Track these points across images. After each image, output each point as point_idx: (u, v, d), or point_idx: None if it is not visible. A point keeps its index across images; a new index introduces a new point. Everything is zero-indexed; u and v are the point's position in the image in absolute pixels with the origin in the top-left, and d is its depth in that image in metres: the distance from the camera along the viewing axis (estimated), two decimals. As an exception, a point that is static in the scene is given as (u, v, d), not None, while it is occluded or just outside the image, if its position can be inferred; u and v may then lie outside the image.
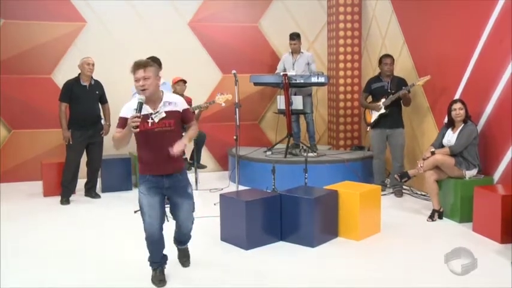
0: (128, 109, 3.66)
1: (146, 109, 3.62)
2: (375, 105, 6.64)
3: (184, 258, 4.28)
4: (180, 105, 3.78)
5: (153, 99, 3.68)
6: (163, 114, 3.66)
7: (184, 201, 3.88)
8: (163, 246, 3.92)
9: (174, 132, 3.71)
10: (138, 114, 3.47)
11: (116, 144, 3.73)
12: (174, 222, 4.10)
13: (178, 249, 4.32)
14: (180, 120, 3.80)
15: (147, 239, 3.81)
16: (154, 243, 3.81)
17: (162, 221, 3.81)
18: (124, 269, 4.19)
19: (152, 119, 3.63)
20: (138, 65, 3.60)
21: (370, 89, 6.78)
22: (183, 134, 3.88)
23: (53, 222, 5.57)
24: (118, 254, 4.54)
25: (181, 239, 4.20)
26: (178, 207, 3.88)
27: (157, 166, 3.71)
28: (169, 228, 4.15)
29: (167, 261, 4.00)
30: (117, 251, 4.60)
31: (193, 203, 4.01)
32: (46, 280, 3.96)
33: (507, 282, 3.80)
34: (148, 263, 3.92)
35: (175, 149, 3.62)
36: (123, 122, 3.64)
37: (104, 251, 4.63)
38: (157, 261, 3.89)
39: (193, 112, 7.16)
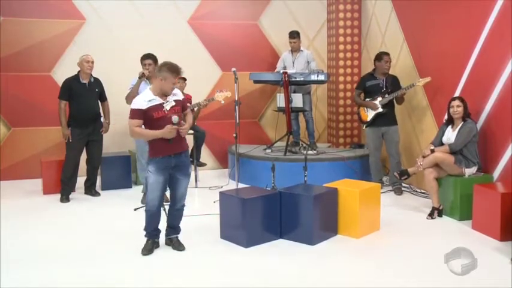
0: (142, 101, 4.29)
1: (158, 99, 4.31)
2: (372, 104, 6.63)
3: (180, 247, 4.54)
4: (180, 95, 4.52)
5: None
6: (173, 103, 4.36)
7: (184, 178, 4.50)
8: (158, 220, 4.52)
9: (179, 117, 4.38)
10: (176, 127, 4.26)
11: (138, 137, 4.54)
12: (166, 216, 4.66)
13: (171, 241, 4.57)
14: (183, 107, 4.50)
15: (147, 211, 4.44)
16: (153, 216, 4.44)
17: (162, 199, 4.45)
18: (124, 267, 4.19)
19: (164, 107, 4.29)
20: (180, 72, 4.38)
21: (364, 86, 6.77)
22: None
23: (52, 220, 5.57)
24: (118, 252, 4.53)
25: (174, 221, 4.58)
26: (179, 182, 4.47)
27: (169, 147, 4.32)
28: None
29: (159, 235, 4.58)
30: (118, 249, 4.60)
31: (189, 181, 4.63)
32: (46, 279, 3.96)
33: (506, 280, 3.80)
34: (144, 233, 4.50)
35: (184, 129, 4.38)
36: (141, 114, 4.27)
37: (104, 249, 4.62)
38: (151, 231, 4.50)
39: (193, 110, 7.17)
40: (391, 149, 6.66)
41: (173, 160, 4.35)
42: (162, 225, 4.61)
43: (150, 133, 4.31)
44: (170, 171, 4.38)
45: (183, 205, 4.59)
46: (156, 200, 4.38)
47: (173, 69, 4.29)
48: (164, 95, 4.32)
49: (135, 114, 4.28)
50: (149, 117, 4.27)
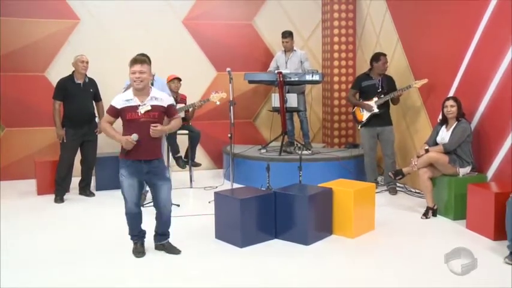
0: (120, 100, 4.22)
1: (135, 101, 4.17)
2: (367, 106, 6.64)
3: (174, 250, 4.45)
4: (165, 101, 4.30)
5: (142, 92, 4.21)
6: (149, 107, 4.18)
7: (163, 183, 4.31)
8: (140, 222, 4.43)
9: (156, 124, 4.20)
10: (134, 143, 4.13)
11: (104, 132, 4.36)
12: (154, 220, 4.49)
13: (164, 246, 4.48)
14: (164, 114, 4.32)
15: (126, 214, 4.35)
16: (133, 218, 4.35)
17: (139, 200, 4.36)
18: (120, 268, 4.19)
19: (139, 110, 4.16)
20: (136, 60, 4.17)
21: (360, 86, 6.78)
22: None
23: (47, 221, 5.55)
24: (114, 252, 4.52)
25: (163, 228, 4.46)
26: (157, 188, 4.31)
27: (139, 152, 4.19)
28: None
29: (145, 235, 4.47)
30: (113, 250, 4.58)
31: (171, 185, 4.48)
32: (41, 279, 3.95)
33: (500, 279, 3.83)
34: (129, 237, 4.42)
35: (155, 130, 4.15)
36: (114, 111, 4.23)
37: (99, 249, 4.61)
38: (136, 234, 4.41)
39: (188, 110, 7.17)
40: (386, 149, 6.67)
41: (144, 166, 4.22)
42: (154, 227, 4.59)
43: (111, 134, 4.25)
44: (144, 177, 4.28)
45: (169, 211, 4.43)
46: (134, 203, 4.30)
47: (131, 59, 4.21)
48: (138, 93, 4.18)
49: (110, 110, 4.27)
50: (123, 118, 4.21)
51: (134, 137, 4.12)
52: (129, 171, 4.22)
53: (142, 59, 4.19)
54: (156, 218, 4.46)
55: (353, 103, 6.97)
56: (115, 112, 4.23)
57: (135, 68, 4.13)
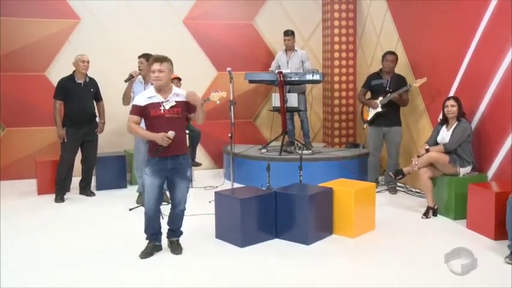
0: (143, 97, 4.27)
1: (158, 98, 4.22)
2: (372, 103, 6.65)
3: (176, 251, 4.46)
4: (183, 96, 4.33)
5: (165, 89, 4.25)
6: (173, 103, 4.23)
7: (182, 181, 4.36)
8: (157, 224, 4.42)
9: (180, 119, 4.29)
10: (169, 140, 4.12)
11: (133, 133, 4.41)
12: (168, 213, 4.54)
13: (172, 243, 4.50)
14: (186, 109, 4.33)
15: (145, 214, 4.36)
16: (151, 219, 4.34)
17: (159, 201, 4.33)
18: (120, 267, 4.18)
19: (163, 106, 4.18)
20: (155, 59, 4.20)
21: (370, 85, 6.79)
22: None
23: (47, 221, 5.55)
24: (114, 252, 4.52)
25: (172, 225, 4.49)
26: (176, 186, 4.35)
27: (166, 148, 4.17)
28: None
29: (160, 239, 4.48)
30: (113, 250, 4.59)
31: (189, 185, 4.53)
32: (41, 279, 3.95)
33: (501, 279, 3.82)
34: (145, 235, 4.42)
35: (193, 94, 4.26)
36: (139, 110, 4.23)
37: (99, 249, 4.61)
38: (150, 234, 4.40)
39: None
40: (390, 149, 6.65)
41: (169, 163, 4.24)
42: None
43: (142, 133, 4.28)
44: (167, 173, 4.27)
45: (183, 209, 4.46)
46: (153, 203, 4.28)
47: (151, 58, 4.30)
48: (161, 90, 4.22)
49: (134, 110, 4.26)
50: (147, 115, 4.22)
51: (171, 134, 4.12)
52: (153, 169, 4.23)
53: (161, 58, 4.20)
54: (169, 213, 4.51)
55: (361, 102, 6.99)
56: (139, 110, 4.22)
57: (154, 67, 4.17)
